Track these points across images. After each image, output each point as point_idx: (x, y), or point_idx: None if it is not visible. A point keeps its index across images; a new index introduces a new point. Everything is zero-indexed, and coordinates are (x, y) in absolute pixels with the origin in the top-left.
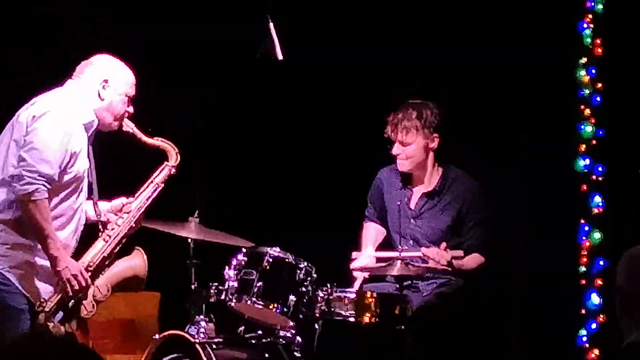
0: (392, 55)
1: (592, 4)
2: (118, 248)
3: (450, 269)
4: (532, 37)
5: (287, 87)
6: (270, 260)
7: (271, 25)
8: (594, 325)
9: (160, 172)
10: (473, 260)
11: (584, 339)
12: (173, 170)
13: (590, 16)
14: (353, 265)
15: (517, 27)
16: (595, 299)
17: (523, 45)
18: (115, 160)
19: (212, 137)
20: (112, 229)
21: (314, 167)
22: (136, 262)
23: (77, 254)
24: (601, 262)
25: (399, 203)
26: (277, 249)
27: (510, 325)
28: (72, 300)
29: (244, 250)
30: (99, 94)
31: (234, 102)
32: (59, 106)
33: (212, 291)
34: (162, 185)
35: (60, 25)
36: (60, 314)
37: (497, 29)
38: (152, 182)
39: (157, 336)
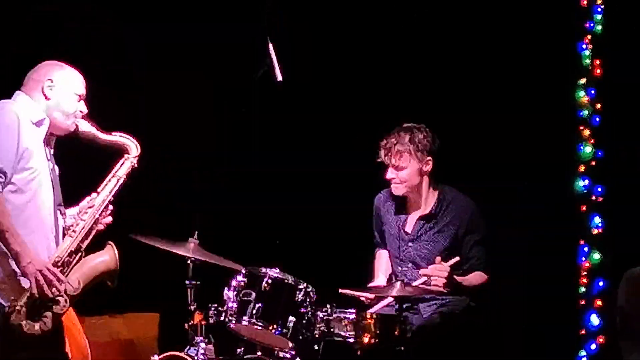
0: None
1: (591, 24)
2: (87, 243)
3: (451, 289)
4: (530, 57)
5: (288, 105)
6: (270, 281)
7: (270, 46)
8: (593, 346)
9: (122, 165)
10: (475, 277)
11: (584, 359)
12: (135, 162)
13: (589, 37)
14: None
15: (515, 47)
16: (594, 319)
17: (520, 65)
18: (83, 165)
19: (211, 157)
20: (77, 224)
21: (314, 187)
22: (106, 256)
23: None
24: (601, 283)
25: (396, 227)
26: (277, 270)
27: (511, 345)
28: (41, 297)
29: (243, 271)
30: (45, 94)
31: (235, 122)
32: (3, 105)
33: (211, 312)
34: (124, 177)
35: (60, 26)
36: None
37: (496, 50)
38: (114, 175)
39: (156, 357)
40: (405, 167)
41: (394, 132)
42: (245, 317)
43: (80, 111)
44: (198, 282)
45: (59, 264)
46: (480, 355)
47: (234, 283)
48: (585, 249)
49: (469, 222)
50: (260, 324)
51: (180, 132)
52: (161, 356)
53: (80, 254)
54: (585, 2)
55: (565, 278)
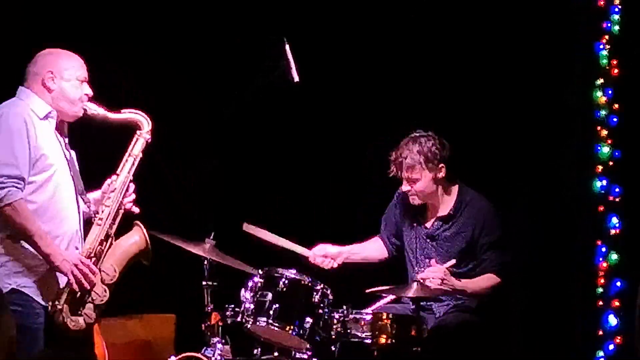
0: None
1: (609, 25)
2: (115, 228)
3: (451, 290)
4: (548, 58)
5: (303, 110)
6: (287, 282)
7: (287, 47)
8: (611, 347)
9: (135, 142)
10: (484, 280)
11: None
12: (148, 137)
13: (606, 37)
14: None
15: (533, 47)
16: (612, 320)
17: (538, 66)
18: (93, 148)
19: (229, 158)
20: (103, 211)
21: (331, 187)
22: (136, 237)
23: None
24: (618, 284)
25: (414, 226)
26: (293, 271)
27: (527, 346)
28: (82, 291)
29: (260, 272)
30: (47, 87)
31: (251, 124)
32: (7, 109)
33: (228, 313)
34: (140, 155)
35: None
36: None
37: (514, 50)
38: (129, 155)
39: (173, 358)
40: (419, 179)
41: (402, 145)
42: (262, 318)
43: (86, 94)
44: (215, 283)
45: (92, 254)
46: (496, 356)
47: (250, 284)
48: (603, 249)
49: (484, 224)
50: (276, 324)
51: (196, 129)
52: (178, 357)
53: (110, 239)
54: (602, 3)
55: (583, 279)
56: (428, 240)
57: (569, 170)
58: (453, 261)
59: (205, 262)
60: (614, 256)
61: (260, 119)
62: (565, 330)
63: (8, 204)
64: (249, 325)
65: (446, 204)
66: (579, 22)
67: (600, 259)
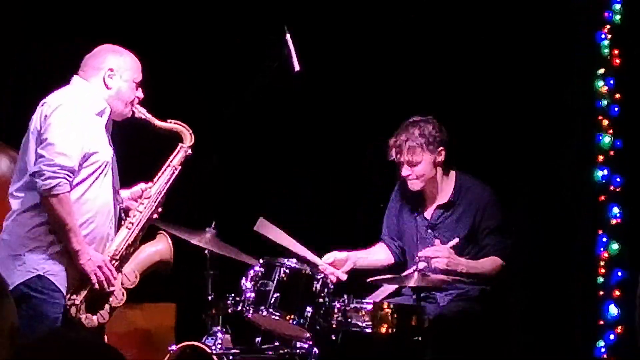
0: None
1: (610, 14)
2: (141, 234)
3: (456, 270)
4: (549, 48)
5: (306, 102)
6: (287, 271)
7: (288, 36)
8: (612, 337)
9: (176, 154)
10: (489, 262)
11: (602, 350)
12: (189, 151)
13: (608, 27)
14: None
15: (534, 36)
16: (613, 310)
17: (539, 55)
18: (129, 148)
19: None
20: (134, 216)
21: (331, 178)
22: (160, 246)
23: None
24: (619, 273)
25: (414, 218)
26: (294, 260)
27: (528, 335)
28: (100, 292)
29: (260, 261)
30: (105, 84)
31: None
32: (67, 100)
33: (229, 302)
34: (180, 167)
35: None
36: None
37: (514, 41)
38: (169, 165)
39: (173, 347)
40: (419, 162)
41: (402, 129)
42: (262, 307)
43: (137, 97)
44: (216, 272)
45: (117, 257)
46: (497, 345)
47: (251, 273)
48: (604, 239)
49: (485, 210)
50: (277, 314)
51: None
52: (178, 346)
53: (135, 245)
54: None
55: (584, 268)
56: (429, 231)
57: (570, 160)
58: (456, 240)
59: (206, 251)
60: (614, 246)
61: (261, 118)
62: (565, 320)
63: (55, 195)
64: (249, 315)
65: (445, 191)
66: (580, 11)
67: (601, 249)
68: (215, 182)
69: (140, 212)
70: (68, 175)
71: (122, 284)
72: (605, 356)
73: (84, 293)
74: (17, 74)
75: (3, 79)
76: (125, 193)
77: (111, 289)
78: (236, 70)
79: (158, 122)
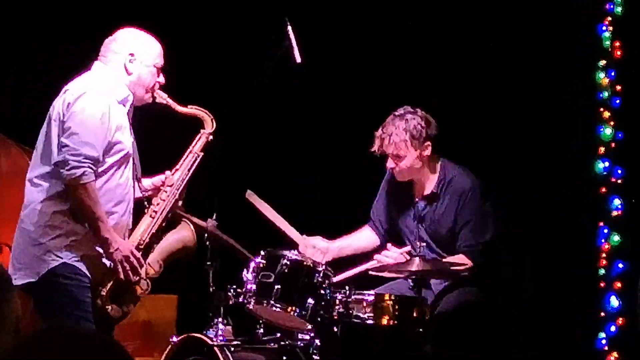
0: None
1: (611, 6)
2: (165, 223)
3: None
4: (550, 40)
5: (306, 91)
6: (289, 263)
7: (289, 28)
8: (613, 328)
9: (198, 140)
10: (455, 260)
11: (603, 342)
12: (210, 137)
13: (609, 19)
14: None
15: (536, 29)
16: (614, 301)
17: (539, 47)
18: (148, 134)
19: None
20: (158, 204)
21: (331, 168)
22: (184, 233)
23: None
24: (620, 265)
25: (405, 206)
26: (295, 252)
27: (529, 328)
28: (127, 282)
29: (262, 253)
30: (126, 69)
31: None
32: (90, 87)
33: (230, 294)
34: (202, 154)
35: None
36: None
37: (514, 34)
38: (191, 152)
39: (174, 339)
40: (404, 156)
41: (387, 121)
42: (264, 299)
43: (158, 82)
44: (217, 264)
45: (142, 246)
46: (498, 337)
47: (252, 265)
48: (605, 231)
49: (464, 203)
50: (279, 305)
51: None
52: (179, 338)
53: (160, 234)
54: None
55: (585, 260)
56: (417, 224)
57: (571, 152)
58: (408, 247)
59: (207, 243)
60: (615, 238)
61: (261, 117)
62: (567, 311)
63: (82, 184)
64: (250, 306)
65: (431, 182)
66: (581, 3)
67: (602, 241)
68: (216, 177)
69: (164, 201)
70: (93, 165)
71: (146, 273)
72: (606, 348)
73: (109, 284)
74: (17, 74)
75: (3, 79)
76: (146, 182)
77: (136, 279)
78: (236, 69)
79: (179, 108)
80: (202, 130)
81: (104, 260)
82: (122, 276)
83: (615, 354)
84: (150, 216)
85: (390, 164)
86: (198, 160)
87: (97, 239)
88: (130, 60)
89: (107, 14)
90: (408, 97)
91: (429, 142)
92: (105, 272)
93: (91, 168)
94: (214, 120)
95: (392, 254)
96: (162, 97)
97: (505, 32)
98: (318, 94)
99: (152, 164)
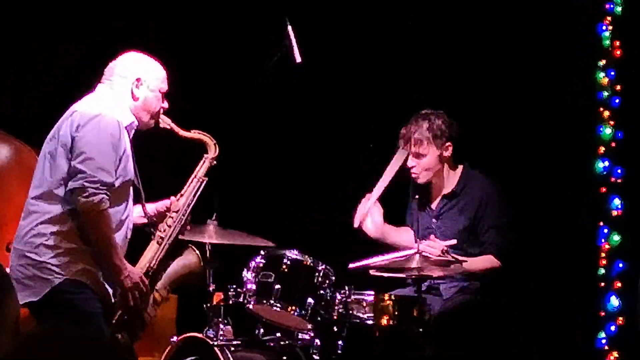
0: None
1: (611, 6)
2: (171, 248)
3: (451, 260)
4: (550, 39)
5: (306, 91)
6: (289, 262)
7: (289, 28)
8: (613, 328)
9: (202, 165)
10: (482, 261)
11: (603, 341)
12: (214, 162)
13: (609, 18)
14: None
15: (536, 29)
16: (614, 301)
17: (540, 47)
18: (151, 160)
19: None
20: (164, 230)
21: (330, 168)
22: (190, 259)
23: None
24: (620, 265)
25: (422, 208)
26: (295, 252)
27: (529, 328)
28: (136, 309)
29: (262, 252)
30: (132, 94)
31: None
32: (102, 111)
33: (230, 293)
34: (206, 178)
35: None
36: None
37: (515, 30)
38: (195, 177)
39: (175, 338)
40: (425, 155)
41: (412, 120)
42: (264, 299)
43: (162, 107)
44: (217, 263)
45: (150, 273)
46: (498, 338)
47: (252, 264)
48: (605, 230)
49: (487, 205)
50: (279, 305)
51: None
52: (179, 337)
53: (167, 260)
54: None
55: (585, 260)
56: (433, 220)
57: (571, 151)
58: (454, 241)
59: (208, 242)
60: (615, 237)
61: (261, 117)
62: (567, 311)
63: (100, 211)
64: (251, 306)
65: (450, 183)
66: (581, 3)
67: (602, 240)
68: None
69: (170, 227)
70: (108, 191)
71: (154, 299)
72: (606, 347)
73: (117, 315)
74: (17, 74)
75: (3, 79)
76: (150, 207)
77: (144, 306)
78: (236, 70)
79: (183, 132)
80: (205, 155)
81: (102, 279)
82: (131, 303)
83: (615, 354)
84: (157, 242)
85: (411, 162)
86: (203, 185)
87: (108, 266)
88: (137, 86)
89: (107, 14)
90: (408, 97)
91: (450, 143)
92: (106, 293)
93: (107, 194)
94: (217, 145)
95: (438, 245)
96: (166, 122)
97: (505, 32)
98: (318, 94)
99: (153, 188)
